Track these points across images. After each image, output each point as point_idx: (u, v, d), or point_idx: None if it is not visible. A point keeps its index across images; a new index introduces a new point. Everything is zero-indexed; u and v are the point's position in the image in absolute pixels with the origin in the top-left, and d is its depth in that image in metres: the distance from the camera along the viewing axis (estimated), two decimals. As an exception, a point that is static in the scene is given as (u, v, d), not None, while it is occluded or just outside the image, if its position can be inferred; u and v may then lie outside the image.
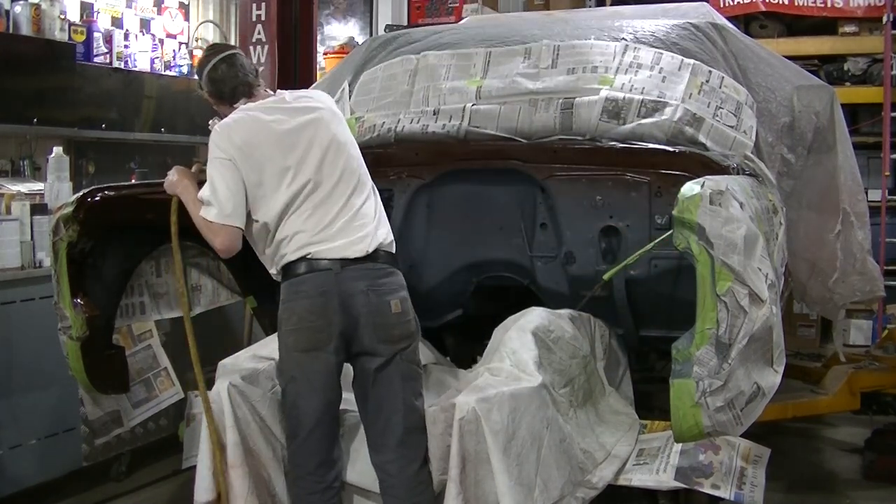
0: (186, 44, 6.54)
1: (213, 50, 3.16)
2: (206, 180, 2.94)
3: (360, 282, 2.86)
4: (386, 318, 2.88)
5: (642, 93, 3.44)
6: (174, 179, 3.07)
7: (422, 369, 3.03)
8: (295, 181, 2.92)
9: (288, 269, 2.91)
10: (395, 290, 2.93)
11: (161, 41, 6.24)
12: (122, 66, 5.75)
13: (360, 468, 2.99)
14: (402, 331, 2.92)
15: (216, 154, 2.92)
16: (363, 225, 2.95)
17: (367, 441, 2.94)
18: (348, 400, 3.00)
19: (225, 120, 3.01)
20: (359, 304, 2.85)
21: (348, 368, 2.99)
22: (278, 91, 3.17)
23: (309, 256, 2.87)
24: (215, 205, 2.88)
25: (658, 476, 2.97)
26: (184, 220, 3.10)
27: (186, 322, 3.15)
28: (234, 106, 3.05)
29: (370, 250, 2.90)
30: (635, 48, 3.62)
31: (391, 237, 3.04)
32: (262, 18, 5.17)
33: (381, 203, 3.11)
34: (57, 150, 4.55)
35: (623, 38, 3.71)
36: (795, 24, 6.80)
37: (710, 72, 3.53)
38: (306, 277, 2.87)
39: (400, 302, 2.92)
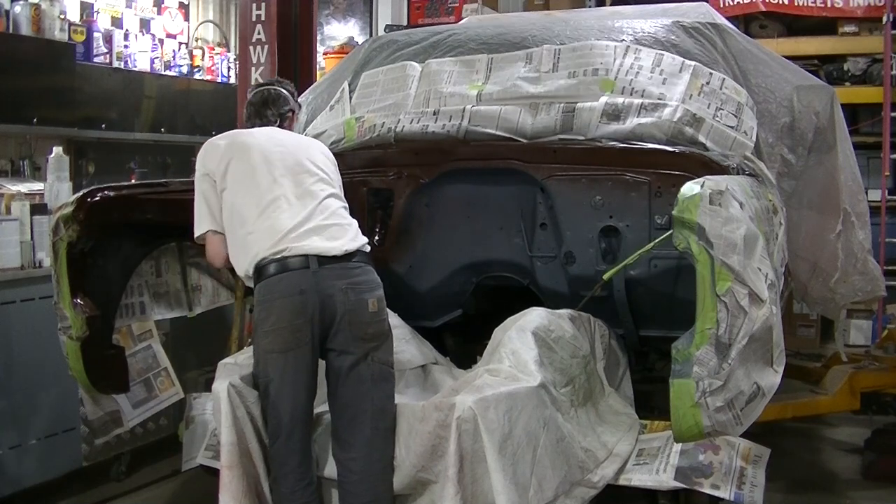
0: (186, 44, 6.55)
1: (260, 83, 3.48)
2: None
3: (338, 280, 2.88)
4: (362, 316, 2.90)
5: (643, 95, 3.44)
6: None
7: (394, 370, 3.02)
8: (265, 179, 2.99)
9: (262, 271, 2.91)
10: (372, 288, 2.96)
11: (161, 41, 6.24)
12: (122, 66, 5.75)
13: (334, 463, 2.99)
14: (375, 329, 2.94)
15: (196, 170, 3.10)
16: (341, 226, 2.99)
17: (333, 434, 2.94)
18: (320, 396, 3.00)
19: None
20: (338, 303, 2.87)
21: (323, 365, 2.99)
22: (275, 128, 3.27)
23: (283, 254, 2.87)
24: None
25: (658, 476, 2.97)
26: (183, 220, 3.11)
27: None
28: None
29: (349, 249, 2.93)
30: (636, 49, 3.62)
31: (365, 239, 3.06)
32: (262, 18, 5.16)
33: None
34: (57, 150, 4.55)
35: (623, 40, 3.71)
36: (795, 24, 6.79)
37: (710, 74, 3.53)
38: (282, 277, 2.87)
39: (377, 301, 2.95)
